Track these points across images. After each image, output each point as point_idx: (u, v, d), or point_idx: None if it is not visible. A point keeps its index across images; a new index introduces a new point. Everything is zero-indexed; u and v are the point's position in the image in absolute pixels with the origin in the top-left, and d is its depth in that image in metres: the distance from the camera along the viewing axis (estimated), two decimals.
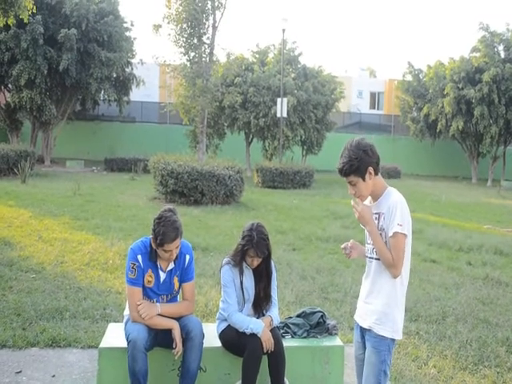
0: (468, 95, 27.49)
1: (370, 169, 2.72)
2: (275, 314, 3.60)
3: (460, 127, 28.09)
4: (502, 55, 28.39)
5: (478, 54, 28.67)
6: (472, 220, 13.75)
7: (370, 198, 2.88)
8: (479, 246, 9.69)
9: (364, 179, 2.73)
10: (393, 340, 2.78)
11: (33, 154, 19.60)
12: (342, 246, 3.02)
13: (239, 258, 3.55)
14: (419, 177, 30.59)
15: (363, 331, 2.89)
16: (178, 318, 3.46)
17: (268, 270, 3.62)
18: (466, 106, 28.07)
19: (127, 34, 26.43)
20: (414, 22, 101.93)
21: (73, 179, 16.61)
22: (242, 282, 3.57)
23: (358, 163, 2.69)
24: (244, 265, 3.59)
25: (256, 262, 3.53)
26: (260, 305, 3.62)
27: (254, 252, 3.47)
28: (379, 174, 2.80)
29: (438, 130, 30.10)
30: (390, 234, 2.69)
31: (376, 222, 2.79)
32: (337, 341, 3.80)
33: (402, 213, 2.70)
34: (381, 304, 2.77)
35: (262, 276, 3.61)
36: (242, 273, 3.57)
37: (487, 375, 4.21)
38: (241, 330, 3.45)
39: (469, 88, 27.70)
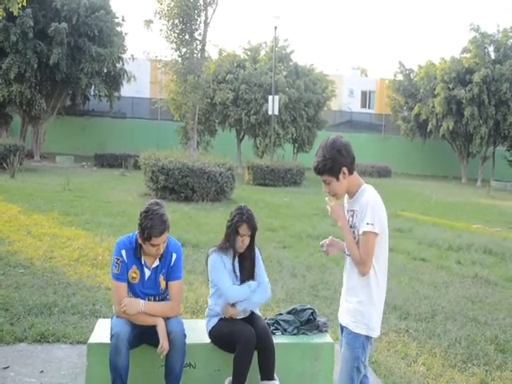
0: (458, 95, 27.67)
1: (344, 169, 2.74)
2: (256, 299, 3.61)
3: (450, 127, 28.27)
4: (493, 56, 28.62)
5: (468, 55, 28.88)
6: (461, 219, 13.84)
7: (346, 196, 2.91)
8: (468, 245, 9.75)
9: (338, 179, 2.75)
10: (368, 337, 2.80)
11: (22, 148, 19.43)
12: (321, 243, 3.05)
13: (230, 242, 3.56)
14: (409, 176, 30.72)
15: (343, 328, 2.92)
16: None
17: (252, 254, 3.64)
18: (456, 106, 28.25)
19: (118, 29, 26.23)
20: (405, 22, 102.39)
21: (62, 174, 16.48)
22: (233, 265, 3.58)
23: (332, 163, 2.72)
24: (232, 253, 3.60)
25: (246, 240, 3.55)
26: None
27: (246, 226, 3.52)
28: (354, 172, 2.82)
29: (428, 130, 30.28)
30: (360, 232, 2.72)
31: (350, 219, 2.82)
32: (327, 338, 3.81)
33: (373, 211, 2.71)
34: (355, 301, 2.81)
35: (247, 264, 3.63)
36: (233, 256, 3.59)
37: (476, 373, 4.23)
38: (245, 297, 3.50)
39: (459, 88, 27.89)
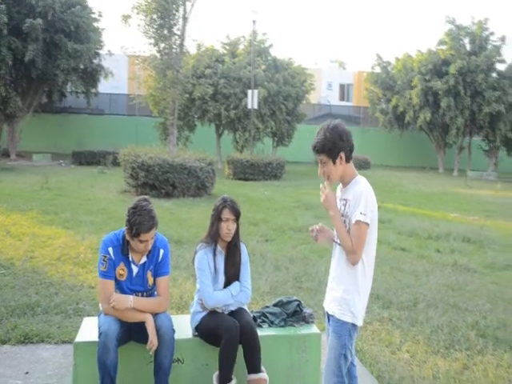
0: (435, 87, 28.01)
1: (342, 154, 2.79)
2: (238, 299, 3.61)
3: (427, 118, 28.60)
4: (468, 48, 29.00)
5: (444, 47, 29.23)
6: (439, 209, 14.06)
7: (340, 184, 2.94)
8: (447, 234, 9.93)
9: (334, 162, 2.80)
10: (354, 325, 2.84)
11: None
12: (310, 229, 3.06)
13: (214, 231, 3.58)
14: (388, 167, 31.02)
15: (329, 316, 2.95)
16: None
17: (238, 246, 3.66)
18: (433, 97, 28.59)
19: (95, 24, 25.85)
20: (382, 15, 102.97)
21: (40, 173, 16.23)
22: (215, 265, 3.59)
23: (331, 145, 2.77)
24: (218, 249, 3.61)
25: (231, 225, 3.56)
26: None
27: (229, 210, 3.55)
28: (351, 162, 2.86)
29: (406, 122, 30.59)
30: (353, 221, 2.76)
31: (343, 208, 2.86)
32: (313, 329, 3.84)
33: (367, 202, 2.75)
34: (342, 290, 2.84)
35: (234, 261, 3.64)
36: (215, 255, 3.59)
37: (458, 358, 4.33)
38: (226, 304, 3.53)
39: (436, 80, 28.22)
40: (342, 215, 2.84)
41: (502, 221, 12.50)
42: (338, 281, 2.87)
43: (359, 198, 2.75)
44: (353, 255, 2.77)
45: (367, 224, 2.74)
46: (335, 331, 2.85)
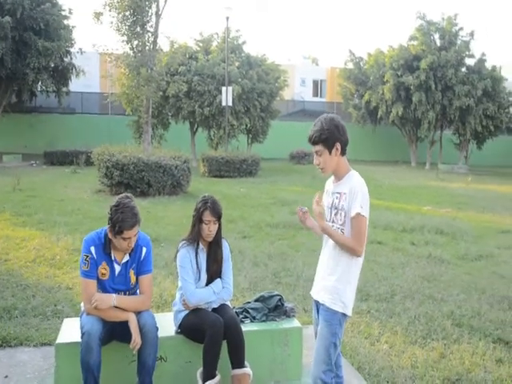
0: (407, 82, 28.41)
1: (338, 145, 2.84)
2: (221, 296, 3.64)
3: (399, 113, 29.00)
4: (438, 43, 29.48)
5: (415, 42, 29.64)
6: (413, 202, 14.30)
7: (333, 177, 2.98)
8: (421, 226, 10.12)
9: (330, 152, 2.85)
10: (344, 315, 2.89)
11: None
12: (298, 208, 3.08)
13: (195, 232, 3.58)
14: (362, 162, 31.33)
15: (318, 305, 2.99)
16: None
17: (219, 244, 3.67)
18: (404, 92, 29.00)
19: (65, 22, 25.43)
20: (354, 11, 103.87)
21: (11, 174, 15.89)
22: (197, 262, 3.60)
23: (328, 135, 2.82)
24: (200, 246, 3.61)
25: (212, 227, 3.57)
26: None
27: (210, 213, 3.54)
28: (345, 157, 2.91)
29: (378, 117, 30.98)
30: (353, 214, 2.79)
31: (336, 201, 2.89)
32: (295, 323, 3.89)
33: (363, 196, 2.81)
34: (334, 279, 2.88)
35: (216, 259, 3.65)
36: (197, 253, 3.60)
37: (435, 347, 4.44)
38: (209, 301, 3.54)
39: (407, 75, 28.62)
40: (336, 208, 2.88)
41: (473, 212, 12.79)
42: (331, 271, 2.90)
43: (357, 191, 2.79)
44: (357, 250, 2.81)
45: (365, 217, 2.79)
46: (326, 320, 2.88)
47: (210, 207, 3.56)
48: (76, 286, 5.59)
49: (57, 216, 9.93)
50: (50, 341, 4.21)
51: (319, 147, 2.85)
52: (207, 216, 3.54)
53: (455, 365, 4.14)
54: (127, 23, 14.90)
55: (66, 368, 3.35)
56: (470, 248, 8.55)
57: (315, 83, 41.93)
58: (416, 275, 6.73)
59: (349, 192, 2.82)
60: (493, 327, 4.93)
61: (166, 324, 3.67)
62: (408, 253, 8.06)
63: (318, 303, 3.00)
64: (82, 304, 3.48)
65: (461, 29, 29.47)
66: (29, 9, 22.89)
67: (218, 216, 3.59)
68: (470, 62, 29.63)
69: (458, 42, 29.35)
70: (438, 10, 74.73)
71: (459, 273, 7.02)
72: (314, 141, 2.86)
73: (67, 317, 4.39)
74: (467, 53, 29.11)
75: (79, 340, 3.20)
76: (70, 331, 3.51)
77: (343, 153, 2.88)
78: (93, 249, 3.33)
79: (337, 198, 2.89)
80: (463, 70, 29.12)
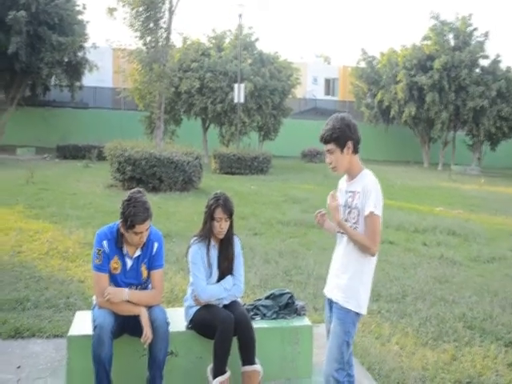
0: (420, 82, 28.22)
1: (350, 143, 2.84)
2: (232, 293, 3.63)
3: (412, 113, 28.82)
4: (452, 43, 29.24)
5: (429, 42, 29.44)
6: (425, 203, 14.21)
7: (345, 176, 2.97)
8: (433, 227, 10.06)
9: (342, 151, 2.85)
10: (357, 314, 2.88)
11: None
12: (316, 212, 3.07)
13: (207, 229, 3.58)
14: (374, 162, 31.18)
15: (332, 304, 2.98)
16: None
17: (231, 242, 3.67)
18: (417, 92, 28.81)
19: (79, 17, 25.59)
20: (367, 10, 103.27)
21: (24, 167, 16.04)
22: (209, 259, 3.60)
23: (340, 133, 2.83)
24: (211, 243, 3.62)
25: (224, 225, 3.56)
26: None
27: (221, 210, 3.53)
28: (357, 156, 2.90)
29: (391, 116, 30.82)
30: (366, 212, 2.79)
31: (350, 200, 2.89)
32: (305, 321, 3.88)
33: (377, 194, 2.81)
34: (347, 278, 2.87)
35: (227, 255, 3.65)
36: (209, 249, 3.60)
37: (447, 350, 4.40)
38: (220, 298, 3.54)
39: (420, 75, 28.44)
40: (349, 206, 2.88)
41: (486, 215, 12.69)
42: (345, 269, 2.90)
43: (371, 190, 2.79)
44: (372, 249, 2.80)
45: (379, 216, 2.79)
46: (339, 318, 2.88)
47: (222, 204, 3.55)
48: (88, 280, 5.63)
49: (69, 209, 10.01)
50: (63, 333, 4.24)
51: (331, 146, 2.86)
52: (219, 213, 3.54)
53: (466, 367, 4.10)
54: (140, 19, 14.99)
55: (77, 360, 3.38)
56: (483, 250, 8.47)
57: (327, 82, 41.80)
58: (428, 276, 6.68)
59: (362, 191, 2.81)
60: (505, 330, 4.88)
61: (177, 319, 3.68)
62: (420, 253, 8.01)
63: (331, 301, 3.00)
64: (93, 297, 3.51)
65: (475, 29, 29.24)
66: (43, 3, 23.04)
67: (229, 213, 3.58)
68: (484, 62, 29.38)
69: (473, 42, 29.09)
70: (452, 9, 74.10)
71: (471, 275, 6.97)
72: (325, 140, 2.87)
73: (79, 309, 4.42)
74: (481, 53, 28.85)
75: (91, 333, 3.22)
76: (82, 324, 3.53)
77: (355, 151, 2.88)
78: (105, 243, 3.34)
79: (350, 196, 2.89)
80: (477, 70, 28.87)
